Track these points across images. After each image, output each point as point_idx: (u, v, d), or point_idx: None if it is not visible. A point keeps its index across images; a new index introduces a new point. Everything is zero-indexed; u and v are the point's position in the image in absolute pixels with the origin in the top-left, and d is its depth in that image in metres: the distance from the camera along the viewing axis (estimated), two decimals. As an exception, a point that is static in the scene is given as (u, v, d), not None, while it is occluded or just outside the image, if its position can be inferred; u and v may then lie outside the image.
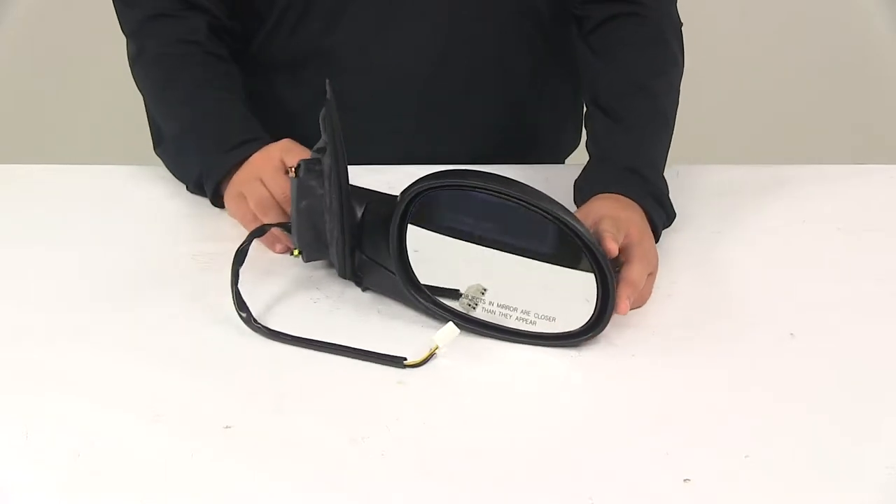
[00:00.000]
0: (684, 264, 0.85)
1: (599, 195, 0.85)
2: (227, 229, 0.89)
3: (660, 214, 0.86)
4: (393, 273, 0.75)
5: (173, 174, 0.96)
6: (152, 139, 1.00)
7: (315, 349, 0.73)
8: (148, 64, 0.98)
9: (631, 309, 0.73)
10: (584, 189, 0.88)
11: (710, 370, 0.71)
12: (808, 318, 0.77)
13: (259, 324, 0.75)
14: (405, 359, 0.71)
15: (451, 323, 0.72)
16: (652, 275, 0.79)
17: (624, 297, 0.73)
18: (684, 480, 0.60)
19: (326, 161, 0.75)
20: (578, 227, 0.70)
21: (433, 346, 0.71)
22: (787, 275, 0.83)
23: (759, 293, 0.81)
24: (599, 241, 0.73)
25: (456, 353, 0.72)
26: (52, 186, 0.99)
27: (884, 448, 0.63)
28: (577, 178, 0.90)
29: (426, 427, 0.65)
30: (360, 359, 0.72)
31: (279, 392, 0.68)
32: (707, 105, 1.97)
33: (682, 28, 1.04)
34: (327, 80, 0.73)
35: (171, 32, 0.97)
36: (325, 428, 0.65)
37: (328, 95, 0.73)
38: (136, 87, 1.01)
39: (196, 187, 0.93)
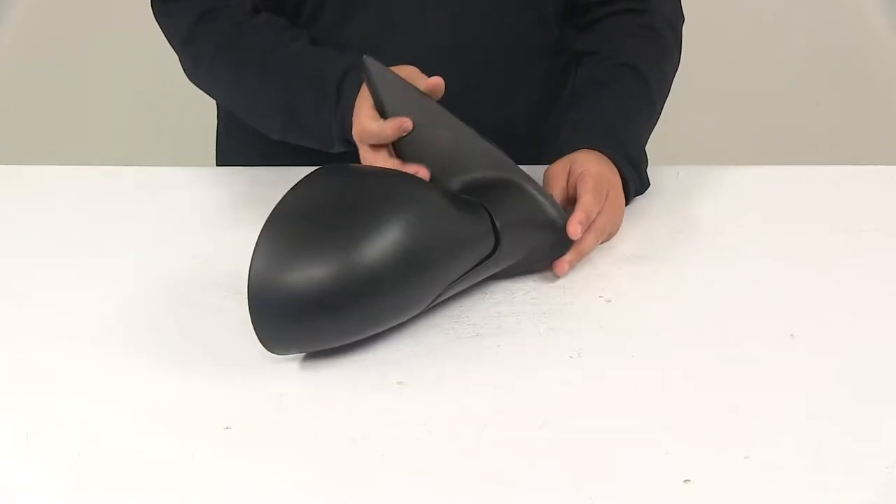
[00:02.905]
0: (684, 264, 0.85)
1: (583, 150, 0.90)
2: (227, 231, 0.90)
3: (634, 179, 0.92)
4: None
5: (312, 145, 0.95)
6: (275, 130, 0.97)
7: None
8: (213, 62, 0.97)
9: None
10: (569, 142, 0.92)
11: (710, 370, 0.71)
12: (808, 318, 0.77)
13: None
14: None
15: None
16: (606, 237, 0.87)
17: (576, 220, 0.80)
18: (684, 481, 0.60)
19: None
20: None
21: None
22: (787, 275, 0.83)
23: (759, 293, 0.80)
24: (577, 196, 0.83)
25: (456, 352, 0.72)
26: (52, 187, 0.99)
27: (884, 448, 0.63)
28: (563, 128, 0.95)
29: (426, 427, 0.65)
30: None
31: (279, 392, 0.68)
32: (707, 105, 1.98)
33: (683, 27, 1.04)
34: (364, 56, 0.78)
35: (221, 25, 0.97)
36: (325, 428, 0.65)
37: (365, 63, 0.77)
38: (207, 94, 1.00)
39: (342, 143, 0.90)
